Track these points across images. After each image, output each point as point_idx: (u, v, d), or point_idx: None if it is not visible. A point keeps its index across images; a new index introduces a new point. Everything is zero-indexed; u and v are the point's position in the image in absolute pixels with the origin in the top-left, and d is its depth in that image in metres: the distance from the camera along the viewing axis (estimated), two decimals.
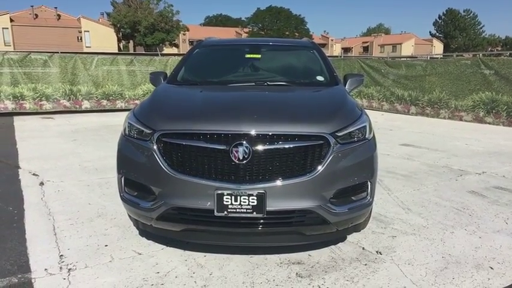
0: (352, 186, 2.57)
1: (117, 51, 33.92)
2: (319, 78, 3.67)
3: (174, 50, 45.05)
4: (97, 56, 12.16)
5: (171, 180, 2.44)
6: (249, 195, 2.35)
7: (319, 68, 3.80)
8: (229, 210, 2.38)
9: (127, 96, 12.02)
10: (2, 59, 10.68)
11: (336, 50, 60.01)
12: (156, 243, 2.99)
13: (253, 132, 2.37)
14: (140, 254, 2.85)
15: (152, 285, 2.44)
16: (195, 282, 2.48)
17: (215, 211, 2.38)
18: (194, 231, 2.55)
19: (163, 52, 31.15)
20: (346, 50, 63.55)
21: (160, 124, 2.54)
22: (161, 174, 2.45)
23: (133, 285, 2.43)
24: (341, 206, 2.53)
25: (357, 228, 2.93)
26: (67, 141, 7.22)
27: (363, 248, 2.94)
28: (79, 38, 44.00)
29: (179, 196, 2.46)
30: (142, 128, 2.60)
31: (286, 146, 2.39)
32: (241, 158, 2.34)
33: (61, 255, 2.80)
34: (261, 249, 2.83)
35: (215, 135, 2.40)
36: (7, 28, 41.11)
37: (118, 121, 5.14)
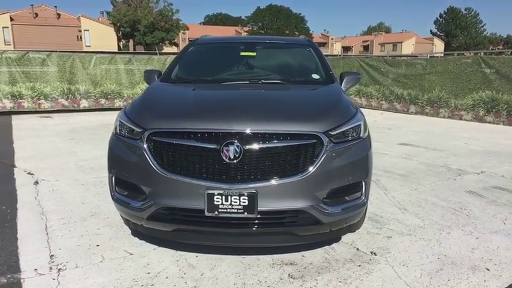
0: (346, 186, 2.53)
1: (116, 51, 33.89)
2: (315, 76, 3.63)
3: (174, 49, 44.98)
4: (95, 55, 12.14)
5: (161, 180, 2.40)
6: (240, 195, 2.31)
7: (314, 66, 3.76)
8: (220, 210, 2.34)
9: (125, 95, 12.00)
10: (0, 57, 10.65)
11: (336, 49, 59.95)
12: (148, 243, 2.96)
13: (244, 130, 2.33)
14: (131, 254, 2.82)
15: (142, 286, 2.41)
16: (185, 283, 2.44)
17: (206, 211, 2.34)
18: (185, 231, 2.51)
19: (163, 51, 31.12)
20: (346, 48, 63.47)
21: (150, 123, 2.51)
22: (151, 173, 2.42)
23: (123, 286, 2.40)
24: (334, 206, 2.49)
25: (351, 228, 2.88)
26: (64, 140, 7.19)
27: (357, 249, 2.90)
28: (79, 37, 43.98)
29: (169, 196, 2.42)
30: (133, 127, 2.57)
31: (278, 145, 2.34)
32: (232, 157, 2.30)
33: (52, 255, 2.76)
34: (253, 249, 2.80)
35: (206, 134, 2.36)
36: (7, 27, 41.10)
37: None
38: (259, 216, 2.36)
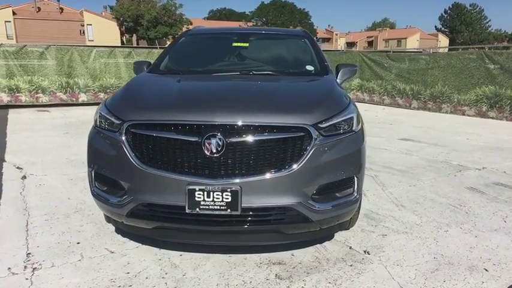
0: (337, 182, 2.38)
1: (120, 45, 33.72)
2: (309, 67, 3.47)
3: None
4: (95, 48, 12.01)
5: (140, 175, 2.27)
6: (222, 191, 2.18)
7: (309, 58, 3.60)
8: (201, 207, 2.20)
9: None
10: None
11: (340, 44, 59.46)
12: (132, 241, 2.83)
13: (227, 123, 2.19)
14: (112, 252, 2.69)
15: (119, 286, 2.28)
16: (165, 283, 2.32)
17: (186, 208, 2.21)
18: (166, 229, 2.38)
19: (165, 46, 30.91)
20: (350, 44, 62.97)
21: (129, 114, 2.37)
22: (130, 167, 2.28)
23: (99, 287, 2.27)
24: (324, 203, 2.35)
25: (343, 226, 2.74)
26: (59, 134, 7.08)
27: (350, 248, 2.77)
28: (81, 31, 43.85)
29: (149, 192, 2.29)
30: (112, 119, 2.43)
31: (264, 138, 2.20)
32: (214, 150, 2.16)
33: (28, 253, 2.64)
34: (241, 248, 2.67)
35: (186, 126, 2.22)
36: (9, 21, 41.01)
37: None
38: (243, 213, 2.22)
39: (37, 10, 43.01)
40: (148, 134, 2.27)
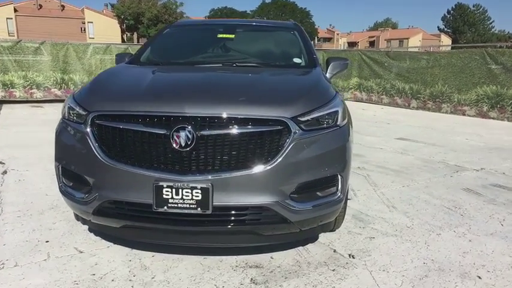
0: (318, 180, 2.21)
1: (120, 43, 33.58)
2: (296, 60, 3.30)
3: None
4: (92, 44, 11.88)
5: (105, 170, 2.11)
6: (192, 188, 2.01)
7: (297, 50, 3.43)
8: (169, 205, 2.04)
9: None
10: None
11: (341, 44, 59.19)
12: (104, 240, 2.68)
13: (198, 114, 2.03)
14: (81, 252, 2.53)
15: None
16: (131, 287, 2.15)
17: (154, 206, 2.05)
18: (134, 228, 2.22)
19: None
20: (352, 44, 62.69)
21: (94, 105, 2.21)
22: (94, 162, 2.12)
23: None
24: (304, 202, 2.18)
25: (327, 228, 2.57)
26: (49, 129, 6.84)
27: (334, 251, 2.60)
28: (82, 29, 43.76)
29: (115, 188, 2.13)
30: (78, 110, 2.27)
31: (238, 132, 2.03)
32: (183, 144, 2.00)
33: None
34: (218, 250, 2.50)
35: (154, 117, 2.05)
36: (11, 18, 40.93)
37: None
38: (214, 212, 2.06)
39: (38, 7, 42.94)
40: (113, 126, 2.10)
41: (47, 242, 2.67)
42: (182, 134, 1.99)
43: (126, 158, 2.09)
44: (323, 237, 2.77)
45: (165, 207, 2.04)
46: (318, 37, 56.86)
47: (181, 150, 2.01)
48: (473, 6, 60.86)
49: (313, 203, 2.21)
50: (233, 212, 2.11)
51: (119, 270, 2.31)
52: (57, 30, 38.47)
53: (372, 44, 63.58)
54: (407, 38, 56.99)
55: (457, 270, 2.39)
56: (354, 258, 2.51)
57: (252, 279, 2.24)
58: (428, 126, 7.97)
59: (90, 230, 2.81)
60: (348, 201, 3.51)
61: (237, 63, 3.06)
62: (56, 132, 2.45)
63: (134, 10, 41.41)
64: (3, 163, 4.63)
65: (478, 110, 9.27)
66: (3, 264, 2.36)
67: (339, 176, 2.29)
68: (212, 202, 2.03)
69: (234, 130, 2.03)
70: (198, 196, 2.02)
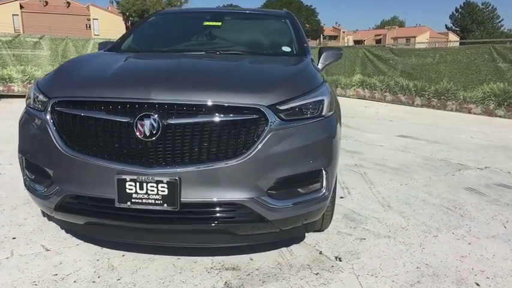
0: (300, 176, 2.00)
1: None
2: (286, 49, 3.09)
3: None
4: (92, 39, 11.77)
5: (65, 161, 1.93)
6: (157, 182, 1.83)
7: (288, 39, 3.22)
8: (133, 200, 1.85)
9: None
10: None
11: (346, 42, 58.69)
12: (74, 238, 2.50)
13: (164, 101, 1.84)
14: (48, 250, 2.36)
15: None
16: None
17: (116, 201, 1.86)
18: (98, 225, 2.03)
19: None
20: (358, 42, 62.09)
21: (56, 91, 2.03)
22: (54, 152, 1.94)
23: None
24: (283, 200, 1.98)
25: (311, 227, 2.35)
26: None
27: (320, 252, 2.40)
28: (88, 25, 43.82)
29: (77, 181, 1.95)
30: (40, 96, 2.09)
31: (208, 121, 1.84)
32: (147, 133, 1.81)
33: None
34: (193, 250, 2.31)
35: (118, 104, 1.87)
36: (17, 15, 41.10)
37: None
38: (183, 209, 1.87)
39: (44, 4, 43.05)
40: (74, 114, 1.92)
41: (13, 238, 2.50)
42: (147, 122, 1.80)
43: (87, 149, 1.91)
44: (310, 237, 2.57)
45: (129, 203, 1.86)
46: (323, 35, 56.41)
47: (145, 140, 1.82)
48: (482, 5, 59.94)
49: (293, 201, 2.01)
50: (204, 209, 1.92)
51: (83, 271, 2.13)
52: (63, 26, 38.48)
53: (378, 42, 62.93)
54: (415, 37, 56.31)
55: (453, 276, 2.18)
56: (340, 261, 2.30)
57: (226, 282, 2.05)
58: (432, 123, 7.71)
59: (62, 226, 2.64)
60: (341, 199, 3.33)
61: (220, 51, 2.87)
62: (19, 122, 2.28)
63: (139, 7, 41.37)
64: None
65: (485, 107, 8.99)
66: None
67: (323, 171, 2.08)
68: (180, 198, 1.84)
69: (205, 119, 1.84)
70: (164, 191, 1.83)
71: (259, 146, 1.87)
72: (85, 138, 1.90)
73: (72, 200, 1.99)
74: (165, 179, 1.82)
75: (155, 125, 1.80)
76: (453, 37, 55.48)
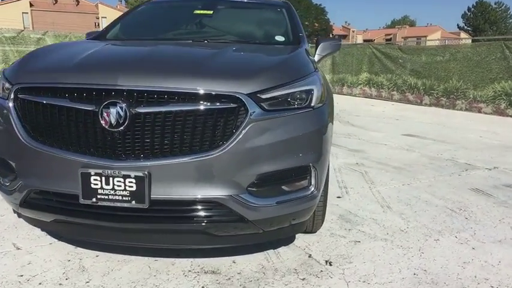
0: (284, 172, 1.82)
1: None
2: (279, 38, 2.91)
3: None
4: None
5: (28, 153, 1.78)
6: (124, 177, 1.67)
7: (282, 28, 3.04)
8: (99, 196, 1.70)
9: None
10: None
11: (356, 41, 58.13)
12: (49, 236, 2.36)
13: (132, 87, 1.67)
14: (19, 249, 2.22)
15: None
16: None
17: (80, 197, 1.71)
18: (66, 223, 1.88)
19: None
20: (368, 42, 61.53)
21: (19, 77, 1.88)
22: (16, 143, 1.80)
23: None
24: (265, 198, 1.80)
25: (299, 229, 2.15)
26: None
27: (310, 256, 2.21)
28: (96, 23, 44.09)
29: (40, 175, 1.80)
30: (5, 84, 1.95)
31: (181, 109, 1.67)
32: (114, 123, 1.65)
33: None
34: (172, 251, 2.15)
35: (83, 91, 1.71)
36: (27, 13, 41.52)
37: None
38: (152, 207, 1.71)
39: (54, 2, 43.42)
40: (37, 101, 1.77)
41: None
42: (113, 110, 1.64)
43: (50, 140, 1.75)
44: (300, 239, 2.39)
45: (94, 199, 1.70)
46: (333, 34, 55.94)
47: (112, 130, 1.66)
48: (495, 4, 58.90)
49: (277, 199, 1.83)
50: (176, 207, 1.75)
51: (51, 272, 1.99)
52: (72, 24, 38.77)
53: (388, 41, 62.27)
54: (425, 36, 55.51)
55: (454, 284, 1.98)
56: (331, 265, 2.12)
57: (203, 287, 1.88)
58: (440, 123, 7.46)
59: (31, 224, 2.50)
60: (338, 199, 3.14)
61: (208, 40, 2.70)
62: None
63: None
64: None
65: (495, 107, 8.69)
66: None
67: (311, 167, 1.90)
68: (149, 194, 1.68)
69: (177, 108, 1.67)
70: (132, 186, 1.67)
71: (238, 138, 1.70)
72: (48, 128, 1.75)
73: (36, 195, 1.85)
74: (133, 174, 1.66)
75: (122, 113, 1.64)
76: (465, 37, 54.58)
